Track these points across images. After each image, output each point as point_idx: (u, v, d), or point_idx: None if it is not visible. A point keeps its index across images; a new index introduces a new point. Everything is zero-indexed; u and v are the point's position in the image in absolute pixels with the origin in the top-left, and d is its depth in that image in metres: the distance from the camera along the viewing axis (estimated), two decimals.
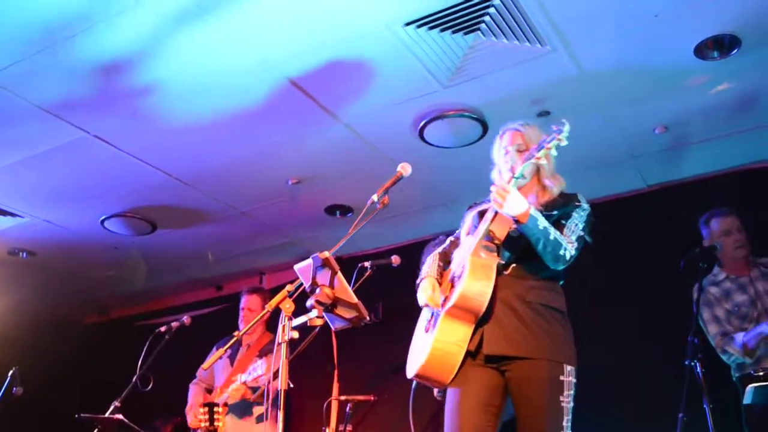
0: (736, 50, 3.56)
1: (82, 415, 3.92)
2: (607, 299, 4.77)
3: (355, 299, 2.55)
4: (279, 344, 2.42)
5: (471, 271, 2.56)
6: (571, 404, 2.53)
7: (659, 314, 4.48)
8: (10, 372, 4.44)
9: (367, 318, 2.56)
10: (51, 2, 3.11)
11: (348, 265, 2.92)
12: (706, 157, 4.72)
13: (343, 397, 4.02)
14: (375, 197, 2.65)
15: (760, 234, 3.91)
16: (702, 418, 3.23)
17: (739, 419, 3.61)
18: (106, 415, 4.01)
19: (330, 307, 2.47)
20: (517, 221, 2.54)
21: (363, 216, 2.67)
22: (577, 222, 2.68)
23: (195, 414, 4.54)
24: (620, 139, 4.49)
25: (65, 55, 3.45)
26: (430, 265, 2.92)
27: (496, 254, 2.66)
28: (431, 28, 3.39)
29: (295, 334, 2.42)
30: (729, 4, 3.26)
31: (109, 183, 4.82)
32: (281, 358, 2.40)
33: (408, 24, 3.36)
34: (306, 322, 2.49)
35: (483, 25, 3.38)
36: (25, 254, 5.94)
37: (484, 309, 2.53)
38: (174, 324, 4.44)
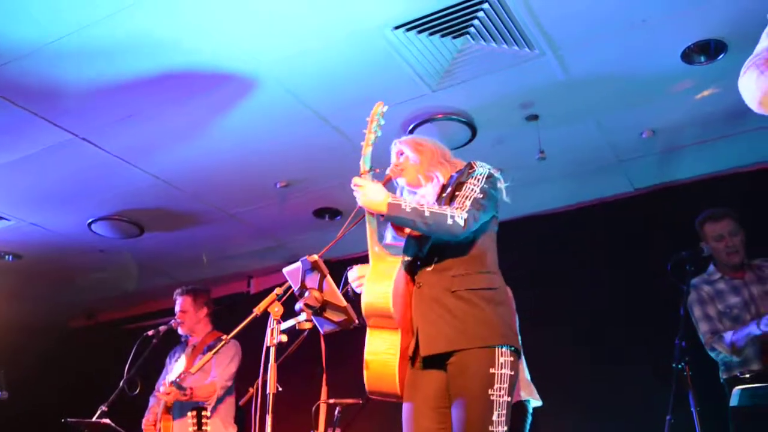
0: (722, 55, 3.60)
1: (68, 419, 3.89)
2: (595, 302, 4.80)
3: (344, 302, 2.55)
4: (267, 348, 2.42)
5: (369, 277, 2.56)
6: (506, 398, 2.42)
7: (646, 317, 4.51)
8: None
9: (356, 321, 2.56)
10: (41, 5, 3.10)
11: (337, 268, 2.90)
12: (694, 160, 4.75)
13: (331, 401, 4.01)
14: None
15: (749, 237, 3.92)
16: (689, 420, 3.25)
17: (726, 421, 3.63)
18: (93, 419, 3.98)
19: (319, 310, 2.47)
20: (381, 215, 2.51)
21: (352, 219, 2.67)
22: (471, 187, 2.59)
23: (146, 420, 4.51)
24: (608, 144, 4.52)
25: (53, 57, 3.43)
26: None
27: (398, 254, 2.63)
28: (420, 31, 3.40)
29: (284, 338, 2.41)
30: (714, 10, 3.29)
31: (96, 186, 4.80)
32: (270, 362, 2.40)
33: (397, 27, 3.37)
34: (294, 325, 2.49)
35: (472, 29, 3.39)
36: (10, 257, 5.89)
37: (391, 309, 2.47)
38: (162, 327, 4.41)
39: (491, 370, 2.43)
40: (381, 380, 2.54)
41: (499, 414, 2.40)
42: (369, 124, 2.71)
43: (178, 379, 4.12)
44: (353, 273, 2.75)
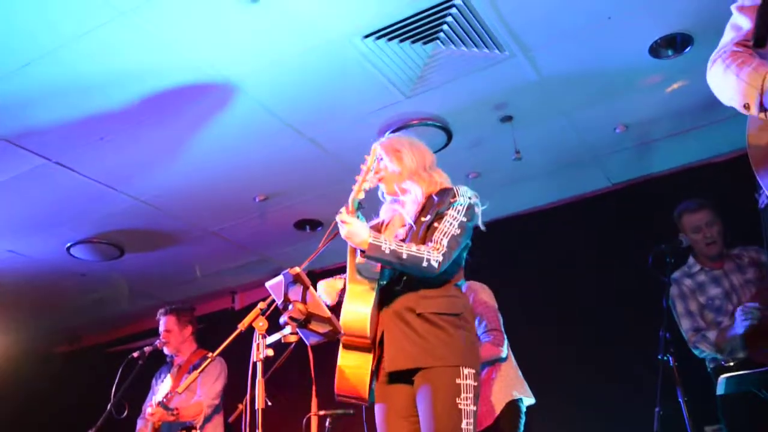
0: (689, 48, 3.64)
1: None
2: (578, 298, 4.82)
3: (328, 313, 2.54)
4: (254, 363, 2.40)
5: (347, 299, 2.61)
6: (472, 407, 2.51)
7: (629, 311, 4.53)
8: None
9: (342, 332, 2.56)
10: (9, 28, 3.07)
11: (320, 278, 2.90)
12: (668, 153, 4.80)
13: (322, 412, 4.00)
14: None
15: (727, 226, 3.95)
16: (678, 411, 3.27)
17: (715, 410, 3.65)
18: None
19: (303, 322, 2.46)
20: (362, 251, 2.54)
21: (333, 229, 2.67)
22: (450, 221, 2.63)
23: None
24: (582, 140, 4.55)
25: (23, 81, 3.40)
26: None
27: (375, 278, 2.65)
28: (390, 39, 3.41)
29: (270, 352, 2.40)
30: (678, 4, 3.34)
31: (73, 209, 4.76)
32: (257, 377, 2.38)
33: (367, 36, 3.38)
34: (280, 339, 2.48)
35: (442, 34, 3.41)
36: None
37: (368, 332, 2.54)
38: (147, 348, 4.37)
39: (457, 381, 2.52)
40: (352, 387, 2.61)
41: (467, 422, 2.48)
42: (365, 173, 2.65)
43: (164, 400, 4.09)
44: (321, 288, 2.78)
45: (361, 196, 2.63)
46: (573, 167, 4.88)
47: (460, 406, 2.48)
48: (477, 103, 4.01)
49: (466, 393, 2.51)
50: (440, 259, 2.55)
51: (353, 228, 2.52)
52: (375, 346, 2.62)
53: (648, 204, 4.76)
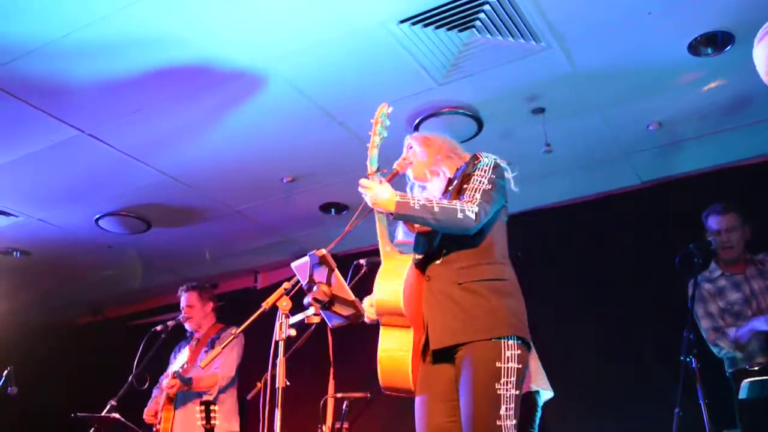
0: (729, 46, 3.58)
1: (78, 414, 3.91)
2: (603, 295, 4.79)
3: (352, 296, 2.56)
4: (276, 342, 2.42)
5: (380, 276, 2.54)
6: (513, 391, 2.38)
7: (654, 310, 4.50)
8: (5, 372, 4.42)
9: (364, 315, 2.57)
10: (47, 1, 3.10)
11: (344, 262, 2.90)
12: (700, 153, 4.74)
13: (339, 395, 4.02)
14: None
15: (754, 231, 3.91)
16: (698, 413, 3.25)
17: (734, 413, 3.63)
18: (103, 414, 4.00)
19: (327, 304, 2.47)
20: (391, 214, 2.49)
21: (359, 213, 2.67)
22: (479, 179, 2.57)
23: (147, 410, 4.53)
24: (614, 136, 4.50)
25: (60, 54, 3.44)
26: None
27: (408, 252, 2.63)
28: (426, 25, 3.39)
29: (292, 332, 2.42)
30: (721, 1, 3.28)
31: (103, 181, 4.81)
32: (278, 356, 2.40)
33: (403, 21, 3.36)
34: (303, 319, 2.50)
35: (478, 22, 3.38)
36: (18, 254, 5.91)
37: (402, 308, 2.45)
38: (170, 323, 4.44)
39: (497, 364, 2.39)
40: (394, 376, 2.50)
41: (506, 408, 2.36)
42: (374, 126, 2.66)
43: (180, 370, 4.15)
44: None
45: (375, 151, 2.62)
46: (604, 163, 4.84)
47: (499, 392, 2.36)
48: (509, 93, 3.98)
49: (507, 377, 2.38)
50: (476, 209, 2.46)
51: (375, 191, 2.50)
52: (417, 326, 2.53)
53: (678, 203, 4.71)
